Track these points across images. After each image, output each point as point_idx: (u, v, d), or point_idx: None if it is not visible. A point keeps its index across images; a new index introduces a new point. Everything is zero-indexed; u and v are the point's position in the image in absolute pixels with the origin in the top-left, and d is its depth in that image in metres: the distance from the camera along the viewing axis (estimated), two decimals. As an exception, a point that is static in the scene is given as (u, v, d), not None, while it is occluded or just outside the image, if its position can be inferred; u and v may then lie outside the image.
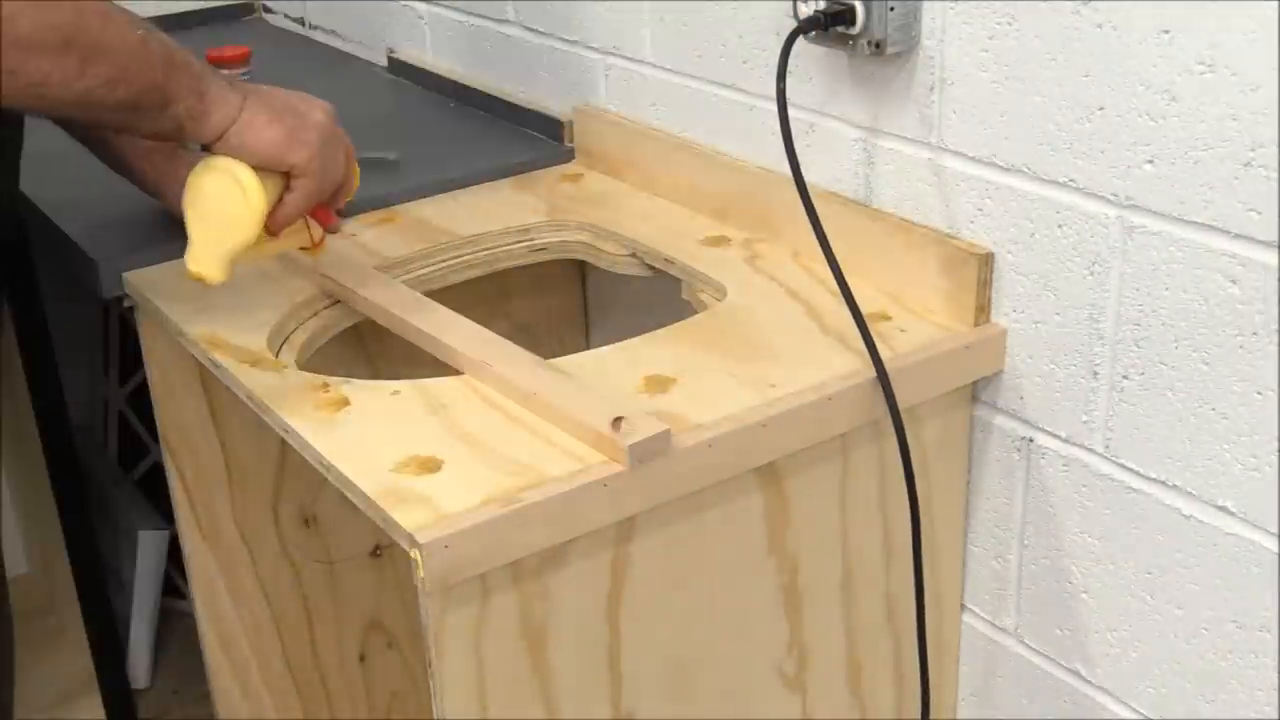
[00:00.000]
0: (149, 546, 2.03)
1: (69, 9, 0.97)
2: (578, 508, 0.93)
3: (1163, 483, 1.04)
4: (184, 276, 1.11)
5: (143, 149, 1.31)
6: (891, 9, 1.09)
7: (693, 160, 1.39)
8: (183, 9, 2.24)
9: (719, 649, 1.08)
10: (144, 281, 1.26)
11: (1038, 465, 1.13)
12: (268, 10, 2.27)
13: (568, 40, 1.53)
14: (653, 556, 1.00)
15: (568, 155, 1.55)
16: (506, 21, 1.65)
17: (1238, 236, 0.93)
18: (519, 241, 1.39)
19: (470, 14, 1.72)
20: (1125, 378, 1.04)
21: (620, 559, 0.99)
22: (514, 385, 1.02)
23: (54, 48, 0.96)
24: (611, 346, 1.13)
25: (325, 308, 1.25)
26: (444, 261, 1.35)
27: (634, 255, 1.35)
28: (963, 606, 1.25)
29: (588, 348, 1.35)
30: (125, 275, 1.28)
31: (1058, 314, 1.07)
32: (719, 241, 1.32)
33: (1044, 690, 1.19)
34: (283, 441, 1.07)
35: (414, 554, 0.88)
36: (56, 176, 1.52)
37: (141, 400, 2.17)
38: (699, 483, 1.00)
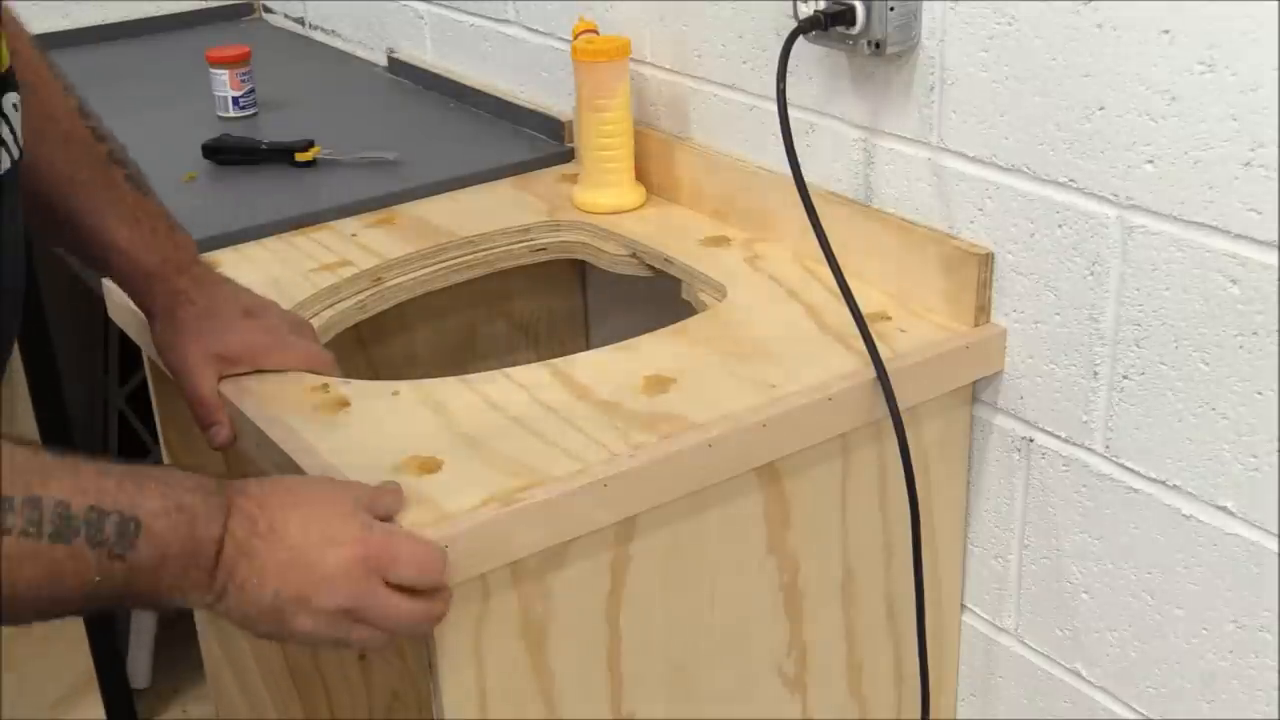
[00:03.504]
0: (149, 546, 2.03)
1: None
2: (578, 508, 0.93)
3: (1163, 483, 1.04)
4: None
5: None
6: (891, 9, 1.09)
7: (693, 160, 1.38)
8: (183, 9, 2.25)
9: (719, 649, 1.08)
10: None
11: (1038, 465, 1.13)
12: (268, 10, 2.27)
13: (567, 40, 1.53)
14: (653, 556, 1.00)
15: (568, 155, 1.55)
16: (506, 21, 1.65)
17: (1238, 236, 0.93)
18: (519, 241, 1.39)
19: (470, 14, 1.72)
20: (1125, 378, 1.04)
21: (620, 559, 0.99)
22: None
23: None
24: (611, 346, 1.13)
25: (325, 308, 1.25)
26: (444, 261, 1.34)
27: (634, 255, 1.35)
28: (963, 606, 1.25)
29: (588, 348, 1.35)
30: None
31: (1058, 314, 1.07)
32: (719, 241, 1.32)
33: (1044, 690, 1.19)
34: (283, 441, 1.07)
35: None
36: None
37: (141, 400, 2.17)
38: (699, 483, 1.00)
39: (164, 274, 1.07)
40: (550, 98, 1.61)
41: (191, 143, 1.57)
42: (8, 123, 0.86)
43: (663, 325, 1.16)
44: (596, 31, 1.42)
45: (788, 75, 1.11)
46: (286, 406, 1.04)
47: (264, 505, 0.82)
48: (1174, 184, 0.96)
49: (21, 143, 0.88)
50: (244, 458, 1.40)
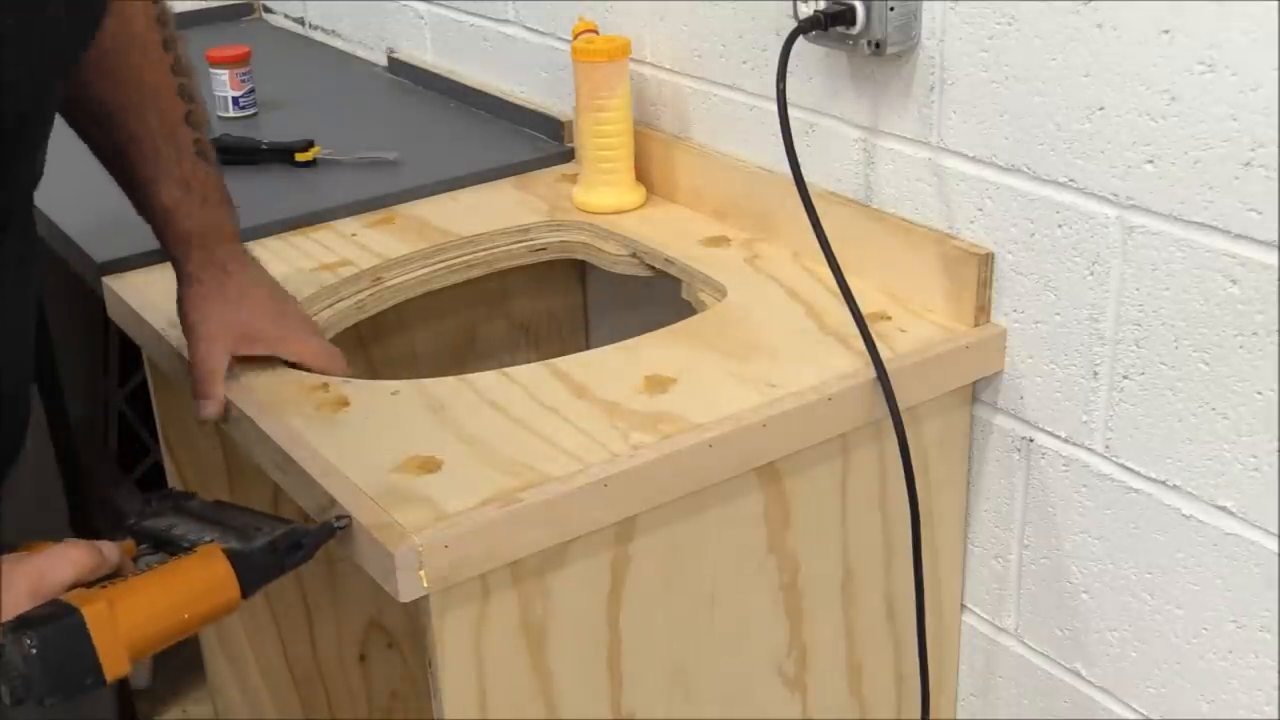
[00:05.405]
0: (149, 546, 2.03)
1: None
2: (578, 508, 0.93)
3: (1163, 483, 1.04)
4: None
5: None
6: (891, 9, 1.09)
7: (692, 160, 1.38)
8: (183, 9, 2.25)
9: (719, 649, 1.08)
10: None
11: (1038, 465, 1.13)
12: (268, 10, 2.27)
13: (567, 40, 1.53)
14: (653, 556, 1.00)
15: (568, 155, 1.55)
16: (506, 21, 1.65)
17: (1238, 236, 0.93)
18: (519, 241, 1.39)
19: (470, 14, 1.72)
20: (1125, 378, 1.04)
21: (620, 559, 0.99)
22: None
23: None
24: (611, 346, 1.13)
25: (325, 308, 1.25)
26: (444, 261, 1.34)
27: (634, 255, 1.35)
28: (963, 606, 1.25)
29: (588, 348, 1.35)
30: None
31: (1058, 314, 1.07)
32: (719, 241, 1.32)
33: (1044, 690, 1.19)
34: (283, 441, 1.06)
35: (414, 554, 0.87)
36: (57, 176, 1.52)
37: (141, 400, 2.17)
38: (699, 483, 1.00)
39: (204, 241, 1.09)
40: (550, 98, 1.61)
41: (191, 143, 1.57)
42: None
43: (663, 325, 1.16)
44: (596, 31, 1.42)
45: (788, 75, 1.11)
46: (286, 405, 1.04)
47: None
48: (1174, 184, 0.96)
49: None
50: (243, 456, 1.40)
